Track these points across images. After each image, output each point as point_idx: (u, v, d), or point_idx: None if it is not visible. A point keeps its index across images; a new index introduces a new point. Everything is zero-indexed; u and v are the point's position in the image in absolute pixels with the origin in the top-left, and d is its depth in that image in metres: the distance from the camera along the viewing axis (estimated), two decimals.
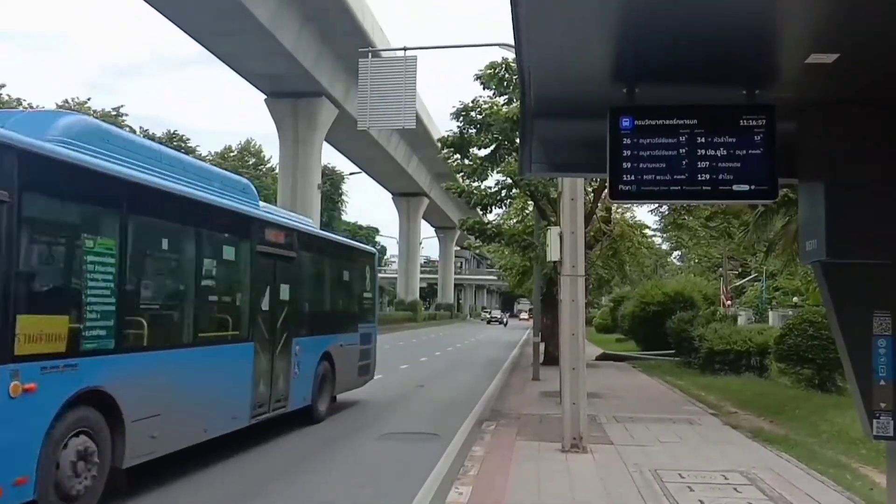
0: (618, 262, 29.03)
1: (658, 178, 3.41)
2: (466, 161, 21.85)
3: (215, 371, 10.21)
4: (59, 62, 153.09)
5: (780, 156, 3.36)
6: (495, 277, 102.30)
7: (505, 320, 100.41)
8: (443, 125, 70.26)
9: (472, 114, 20.75)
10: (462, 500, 8.07)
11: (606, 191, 3.78)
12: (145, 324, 8.57)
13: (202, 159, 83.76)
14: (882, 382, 3.45)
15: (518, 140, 14.99)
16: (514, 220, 28.40)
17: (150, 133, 78.49)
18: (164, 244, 9.54)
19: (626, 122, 3.41)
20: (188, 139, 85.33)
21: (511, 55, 18.62)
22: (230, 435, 10.68)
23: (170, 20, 36.03)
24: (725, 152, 3.37)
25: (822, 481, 9.08)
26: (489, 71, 20.08)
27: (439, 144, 23.46)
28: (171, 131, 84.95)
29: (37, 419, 6.78)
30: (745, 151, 3.36)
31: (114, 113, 58.02)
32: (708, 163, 3.38)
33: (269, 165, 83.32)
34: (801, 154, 3.57)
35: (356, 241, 20.27)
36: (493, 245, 31.97)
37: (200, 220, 10.02)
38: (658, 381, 21.53)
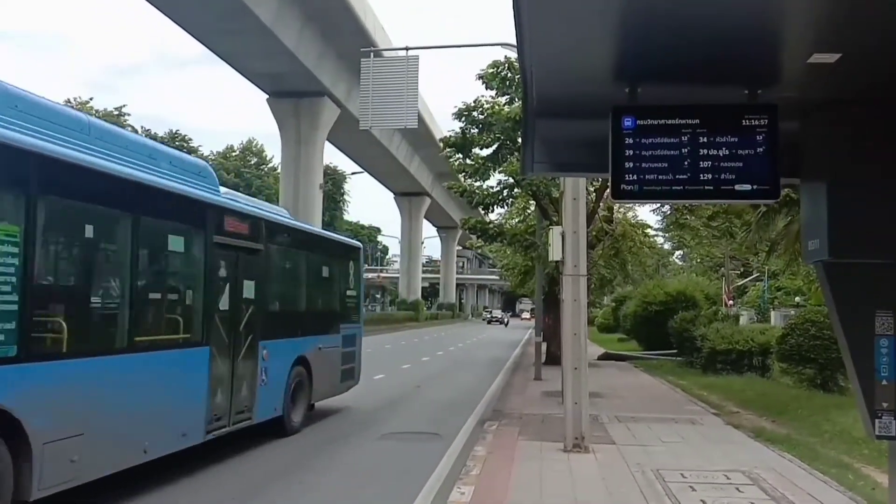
0: (620, 262, 29.04)
1: (660, 177, 3.41)
2: (468, 161, 21.87)
3: (159, 380, 8.77)
4: (61, 62, 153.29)
5: (783, 155, 3.35)
6: (497, 277, 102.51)
7: (506, 320, 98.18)
8: (444, 125, 70.43)
9: (475, 114, 20.77)
10: (464, 500, 8.07)
11: (608, 190, 3.78)
12: (63, 326, 7.28)
13: (204, 159, 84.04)
14: (884, 382, 3.45)
15: (520, 140, 15.02)
16: (516, 220, 28.40)
17: (153, 133, 78.74)
18: (89, 232, 7.92)
19: (628, 122, 3.41)
20: (190, 139, 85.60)
21: (513, 54, 18.63)
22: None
23: (172, 20, 36.11)
24: (728, 152, 3.37)
25: (824, 481, 9.07)
26: (491, 70, 20.09)
27: (441, 144, 23.50)
28: (174, 131, 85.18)
29: None
30: (747, 151, 3.36)
31: (116, 112, 58.01)
32: (710, 162, 3.38)
33: (271, 165, 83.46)
34: (804, 154, 3.57)
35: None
36: (495, 245, 32.00)
37: (138, 205, 8.47)
38: (660, 380, 21.53)
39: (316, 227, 17.40)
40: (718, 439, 11.98)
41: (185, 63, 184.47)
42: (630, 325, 35.69)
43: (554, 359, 22.15)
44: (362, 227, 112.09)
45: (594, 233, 21.59)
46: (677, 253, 59.01)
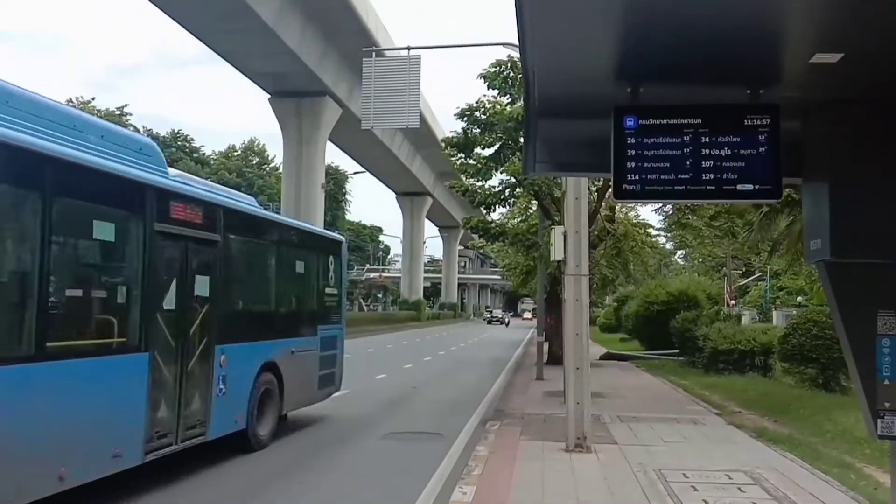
0: (622, 262, 29.03)
1: (662, 177, 3.41)
2: (470, 161, 21.87)
3: (80, 393, 7.41)
4: (62, 62, 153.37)
5: (784, 155, 3.35)
6: (499, 277, 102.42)
7: (507, 320, 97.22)
8: (446, 124, 70.32)
9: (477, 114, 20.77)
10: (466, 500, 8.08)
11: (610, 190, 3.78)
12: None
13: (206, 158, 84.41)
14: (886, 382, 3.45)
15: (522, 139, 15.02)
16: (518, 220, 28.40)
17: (154, 132, 78.83)
18: None
19: (630, 122, 3.41)
20: (192, 139, 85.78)
21: (516, 54, 18.62)
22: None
23: (173, 19, 36.14)
24: (730, 152, 3.37)
25: (826, 481, 9.07)
26: (494, 69, 20.08)
27: (443, 144, 23.49)
28: (175, 130, 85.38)
29: None
30: (749, 151, 3.36)
31: (118, 112, 58.06)
32: (712, 162, 3.38)
33: (272, 165, 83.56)
34: (806, 154, 3.57)
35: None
36: (496, 244, 31.99)
37: (50, 183, 7.10)
38: (662, 380, 21.52)
39: (291, 219, 15.59)
40: (720, 439, 11.98)
41: (186, 63, 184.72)
42: (632, 325, 35.69)
43: (556, 359, 22.17)
44: (364, 226, 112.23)
45: (596, 232, 21.59)
46: (679, 253, 58.99)
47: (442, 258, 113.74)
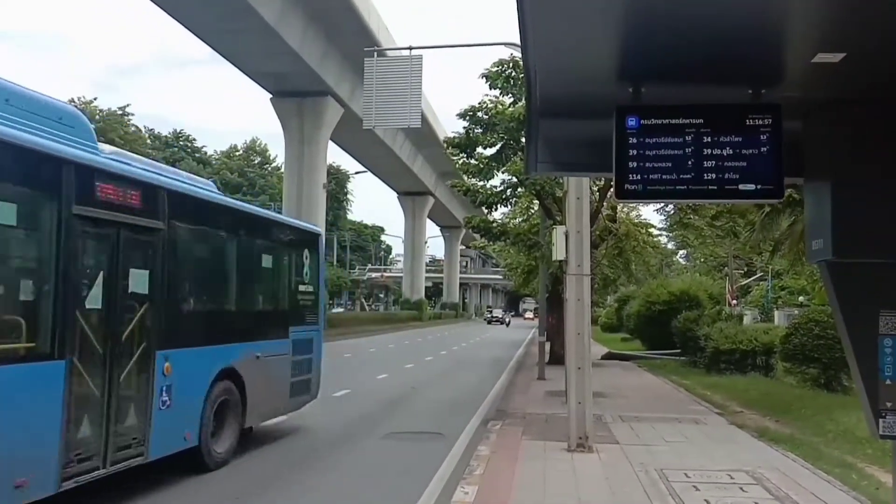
0: (623, 262, 29.03)
1: (664, 177, 3.41)
2: (472, 161, 21.89)
3: None
4: (64, 62, 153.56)
5: (786, 155, 3.35)
6: (501, 277, 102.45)
7: (507, 320, 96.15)
8: (448, 124, 70.39)
9: (479, 114, 20.78)
10: (468, 500, 8.08)
11: (612, 190, 3.78)
12: None
13: (208, 158, 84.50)
14: (888, 382, 3.45)
15: (523, 139, 15.03)
16: (520, 219, 28.41)
17: (156, 132, 78.95)
18: None
19: (632, 122, 3.41)
20: (194, 139, 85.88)
21: (518, 53, 18.62)
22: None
23: (175, 19, 36.15)
24: (731, 151, 3.37)
25: (827, 481, 9.07)
26: (496, 69, 20.09)
27: (445, 145, 23.50)
28: (177, 130, 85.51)
29: None
30: (751, 151, 3.36)
31: (120, 112, 58.08)
32: (714, 162, 3.38)
33: (274, 165, 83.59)
34: (808, 153, 3.57)
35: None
36: (498, 244, 32.00)
37: None
38: (663, 380, 21.52)
39: (258, 208, 13.74)
40: (722, 439, 11.98)
41: (188, 63, 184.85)
42: (633, 325, 35.71)
43: (557, 358, 22.17)
44: (366, 226, 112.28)
45: (598, 232, 21.57)
46: (681, 252, 58.97)
47: (443, 258, 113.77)
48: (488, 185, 22.97)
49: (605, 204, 22.32)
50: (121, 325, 8.00)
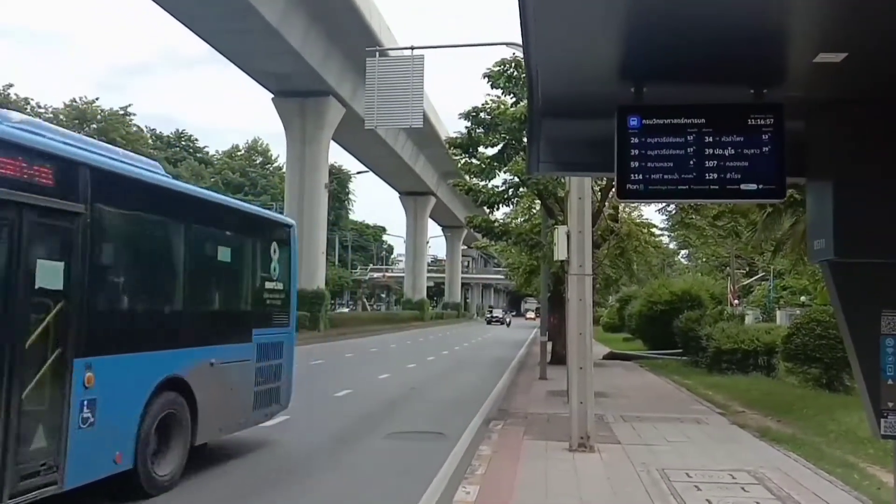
0: (625, 262, 29.04)
1: (666, 177, 3.41)
2: (474, 160, 21.91)
3: None
4: (66, 62, 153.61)
5: (788, 155, 3.36)
6: (502, 276, 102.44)
7: (508, 320, 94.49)
8: (449, 124, 70.44)
9: (482, 115, 20.80)
10: (470, 500, 8.08)
11: (614, 190, 3.79)
12: None
13: (210, 158, 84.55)
14: (890, 382, 3.45)
15: (525, 139, 15.03)
16: (521, 219, 28.43)
17: (158, 132, 79.00)
18: None
19: (633, 122, 3.41)
20: (196, 139, 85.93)
21: (520, 53, 18.63)
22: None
23: (177, 19, 36.16)
24: (733, 151, 3.37)
25: (829, 481, 9.07)
26: (497, 68, 20.11)
27: (447, 145, 23.54)
28: (179, 130, 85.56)
29: None
30: (752, 151, 3.36)
31: (121, 112, 58.11)
32: (716, 162, 3.38)
33: (276, 164, 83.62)
34: (809, 153, 3.57)
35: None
36: (500, 244, 32.02)
37: None
38: (665, 380, 21.52)
39: (216, 194, 11.82)
40: (724, 439, 11.97)
41: (191, 63, 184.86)
42: (635, 325, 35.73)
43: (559, 358, 22.15)
44: (368, 226, 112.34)
45: (599, 232, 21.57)
46: (682, 252, 58.96)
47: (445, 258, 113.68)
48: (490, 185, 23.00)
49: (606, 204, 22.31)
50: (24, 328, 6.67)
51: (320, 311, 45.29)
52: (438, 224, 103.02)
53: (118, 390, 7.73)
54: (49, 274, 6.98)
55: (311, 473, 9.95)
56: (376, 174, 72.12)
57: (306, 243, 45.40)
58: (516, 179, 22.00)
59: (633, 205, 25.36)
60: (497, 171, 21.65)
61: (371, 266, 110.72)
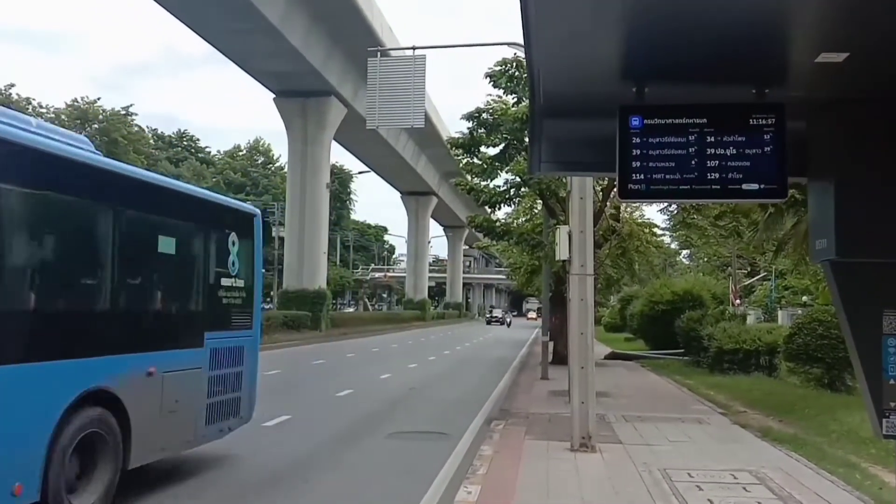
0: (627, 262, 29.06)
1: (667, 177, 3.41)
2: (476, 160, 21.93)
3: None
4: (68, 61, 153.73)
5: (790, 154, 3.36)
6: (504, 276, 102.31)
7: (508, 320, 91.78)
8: (451, 124, 70.43)
9: (484, 115, 20.83)
10: (471, 500, 8.08)
11: (615, 190, 3.80)
12: None
13: (211, 158, 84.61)
14: (892, 381, 3.45)
15: (527, 139, 15.03)
16: (523, 219, 28.45)
17: (160, 132, 79.07)
18: None
19: (635, 122, 3.41)
20: (198, 139, 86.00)
21: (522, 53, 18.65)
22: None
23: (179, 19, 36.18)
24: (735, 151, 3.37)
25: (831, 481, 9.06)
26: (499, 68, 20.12)
27: (449, 145, 23.56)
28: (181, 130, 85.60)
29: None
30: (754, 150, 3.36)
31: (123, 112, 58.13)
32: (717, 162, 3.38)
33: (278, 164, 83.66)
34: (811, 153, 3.57)
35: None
36: (501, 244, 32.05)
37: None
38: (667, 380, 21.53)
39: (158, 175, 10.37)
40: (725, 439, 11.97)
41: (193, 62, 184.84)
42: (637, 325, 35.74)
43: (561, 358, 22.16)
44: (369, 226, 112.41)
45: (601, 232, 21.59)
46: (684, 252, 58.94)
47: (447, 258, 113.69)
48: (492, 185, 23.02)
49: (608, 204, 22.34)
50: None
51: (322, 310, 45.35)
52: (440, 224, 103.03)
53: (17, 408, 6.41)
54: None
55: (312, 473, 9.95)
56: (378, 174, 72.14)
57: (308, 243, 45.52)
58: (518, 179, 22.04)
59: (634, 205, 25.37)
60: (499, 171, 21.67)
61: (373, 266, 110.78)
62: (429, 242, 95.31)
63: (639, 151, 3.41)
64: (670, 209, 28.22)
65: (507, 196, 23.00)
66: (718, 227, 26.97)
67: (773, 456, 10.56)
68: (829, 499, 8.27)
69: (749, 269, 51.61)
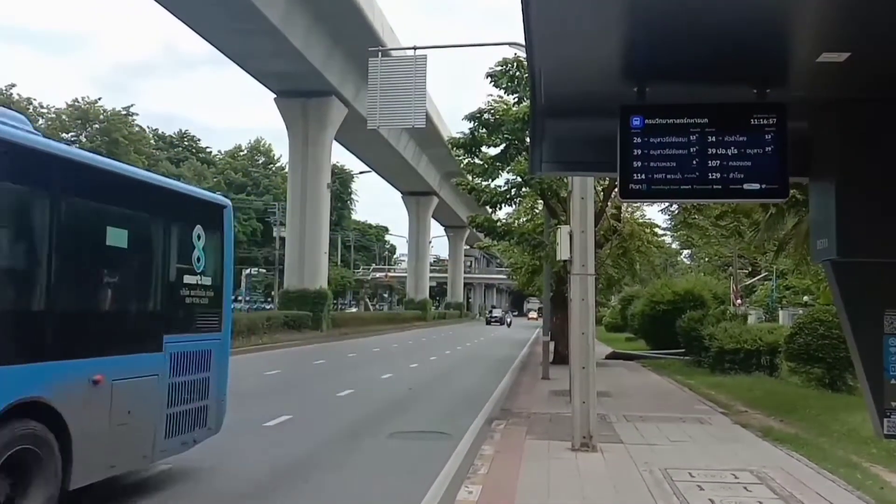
0: (628, 262, 29.06)
1: (668, 176, 3.41)
2: (477, 161, 21.94)
3: None
4: (69, 61, 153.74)
5: (791, 154, 3.36)
6: (505, 276, 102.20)
7: (508, 320, 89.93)
8: (451, 124, 70.41)
9: (485, 116, 20.84)
10: (472, 499, 8.07)
11: (616, 189, 3.80)
12: None
13: (212, 158, 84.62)
14: (893, 381, 3.45)
15: (528, 139, 15.04)
16: (524, 219, 28.46)
17: (161, 132, 79.06)
18: None
19: (636, 122, 3.41)
20: (199, 139, 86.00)
21: (522, 53, 18.65)
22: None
23: (180, 20, 36.18)
24: (736, 151, 3.38)
25: (832, 480, 9.05)
26: (500, 68, 20.13)
27: (450, 145, 23.57)
28: (183, 131, 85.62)
29: None
30: (755, 150, 3.36)
31: (124, 112, 58.16)
32: (718, 161, 3.39)
33: (279, 164, 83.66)
34: (812, 153, 3.57)
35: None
36: (502, 244, 32.06)
37: None
38: (668, 380, 21.52)
39: (106, 160, 9.59)
40: (726, 438, 11.96)
41: (193, 62, 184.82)
42: (638, 325, 35.71)
43: (562, 358, 22.15)
44: (370, 226, 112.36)
45: (602, 232, 21.59)
46: (685, 252, 58.92)
47: (448, 258, 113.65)
48: (493, 185, 23.03)
49: (609, 204, 22.34)
50: None
51: (323, 310, 45.35)
52: (441, 224, 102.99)
53: None
54: None
55: (312, 473, 9.94)
56: (379, 174, 72.09)
57: (309, 243, 45.52)
58: (519, 179, 22.04)
59: (635, 205, 25.38)
60: (500, 171, 21.67)
61: (374, 266, 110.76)
62: (430, 242, 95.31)
63: (640, 151, 3.41)
64: (671, 209, 28.25)
65: (508, 196, 23.01)
66: (719, 227, 27.00)
67: (775, 456, 10.56)
68: (831, 499, 8.26)
69: (750, 269, 51.56)
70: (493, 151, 21.46)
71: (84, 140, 53.85)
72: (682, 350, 26.82)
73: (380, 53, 22.54)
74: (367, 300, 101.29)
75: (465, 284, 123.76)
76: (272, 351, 32.30)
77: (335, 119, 46.58)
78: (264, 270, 79.80)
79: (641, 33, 2.99)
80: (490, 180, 22.66)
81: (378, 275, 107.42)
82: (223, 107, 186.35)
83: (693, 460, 10.08)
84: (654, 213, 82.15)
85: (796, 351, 17.87)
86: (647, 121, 3.42)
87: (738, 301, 41.19)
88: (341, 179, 74.78)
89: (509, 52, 20.42)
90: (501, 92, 20.59)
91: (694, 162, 3.40)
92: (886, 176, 3.35)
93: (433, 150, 63.66)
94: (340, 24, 38.71)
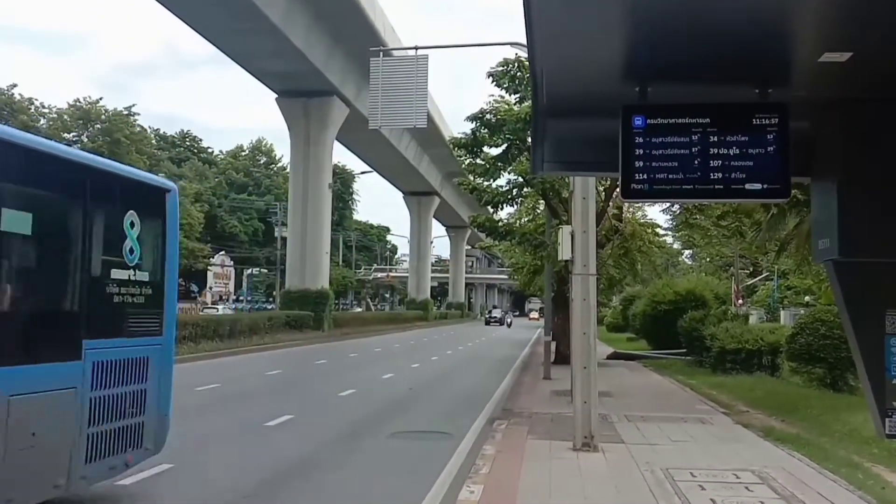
0: (629, 262, 29.06)
1: (670, 176, 3.41)
2: (479, 161, 21.94)
3: None
4: (70, 62, 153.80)
5: (793, 154, 3.36)
6: (506, 276, 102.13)
7: (508, 321, 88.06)
8: (453, 123, 70.37)
9: (488, 116, 20.84)
10: (473, 499, 8.08)
11: (618, 190, 3.80)
12: None
13: (214, 158, 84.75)
14: (894, 381, 3.45)
15: (530, 139, 15.03)
16: (525, 219, 28.46)
17: (162, 133, 79.13)
18: None
19: (638, 121, 3.41)
20: (200, 139, 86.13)
21: (524, 53, 18.66)
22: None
23: (181, 20, 36.21)
24: (738, 151, 3.37)
25: (833, 480, 9.06)
26: (501, 68, 20.14)
27: (451, 145, 23.57)
28: (184, 131, 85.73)
29: None
30: (757, 150, 3.36)
31: (125, 112, 58.17)
32: (720, 161, 3.38)
33: (280, 164, 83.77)
34: (814, 153, 3.57)
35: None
36: (504, 244, 32.06)
37: None
38: (669, 380, 21.52)
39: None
40: (728, 438, 11.97)
41: (195, 62, 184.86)
42: (639, 325, 35.71)
43: (563, 358, 22.15)
44: (371, 226, 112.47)
45: (603, 232, 21.59)
46: (686, 252, 58.92)
47: (449, 258, 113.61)
48: (494, 185, 23.03)
49: (610, 204, 22.34)
50: None
51: (324, 310, 45.33)
52: (442, 224, 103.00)
53: None
54: None
55: (314, 472, 9.96)
56: (380, 174, 72.11)
57: (310, 243, 45.52)
58: (520, 179, 22.04)
59: (637, 205, 25.37)
60: (501, 171, 21.67)
61: (375, 266, 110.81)
62: (431, 242, 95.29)
63: (641, 151, 3.41)
64: (673, 209, 28.24)
65: (509, 196, 23.01)
66: (721, 227, 26.99)
67: (776, 456, 10.56)
68: (832, 499, 8.26)
69: (751, 269, 51.58)
70: (495, 151, 21.46)
71: (86, 140, 53.87)
72: (684, 350, 26.82)
73: (381, 53, 22.54)
74: (369, 300, 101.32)
75: (467, 284, 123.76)
76: (274, 351, 32.32)
77: (336, 119, 46.57)
78: (266, 270, 79.97)
79: (643, 33, 2.99)
80: (492, 180, 22.66)
81: (379, 275, 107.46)
82: (224, 107, 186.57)
83: (694, 460, 10.09)
84: (656, 213, 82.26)
85: (798, 351, 17.88)
86: (648, 121, 3.41)
87: (740, 301, 41.20)
88: (343, 179, 74.88)
89: (510, 52, 20.45)
90: (503, 92, 20.59)
91: (696, 162, 3.39)
92: (888, 176, 3.35)
93: (435, 150, 63.65)
94: (341, 24, 38.71)
